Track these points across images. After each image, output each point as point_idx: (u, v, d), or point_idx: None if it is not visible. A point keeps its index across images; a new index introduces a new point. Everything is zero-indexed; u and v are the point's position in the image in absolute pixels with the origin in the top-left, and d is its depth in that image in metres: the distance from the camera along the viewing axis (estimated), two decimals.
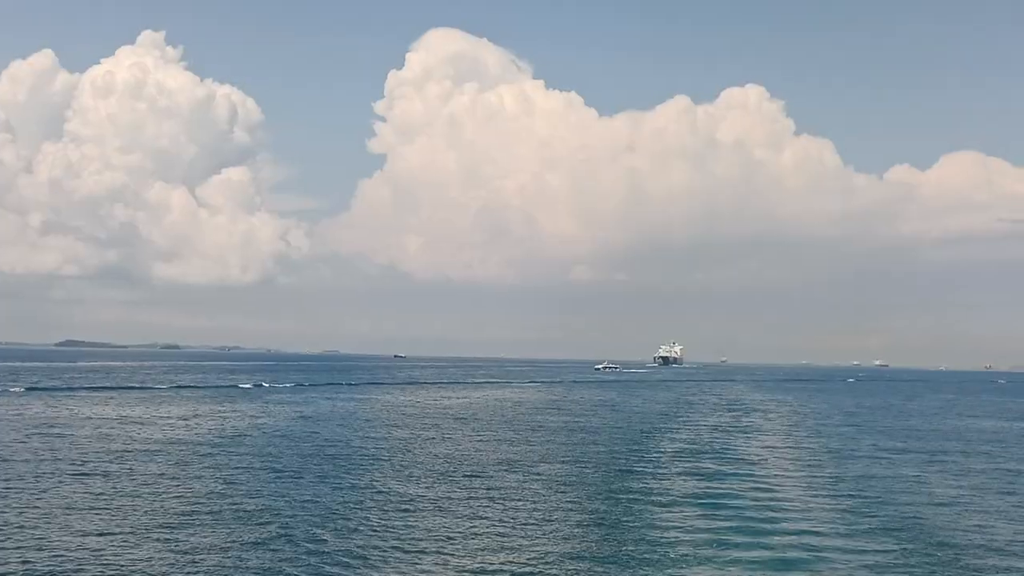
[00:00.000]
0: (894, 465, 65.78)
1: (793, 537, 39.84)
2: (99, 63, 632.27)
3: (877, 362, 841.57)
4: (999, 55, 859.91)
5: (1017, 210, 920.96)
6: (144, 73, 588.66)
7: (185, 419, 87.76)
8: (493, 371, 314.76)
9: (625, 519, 42.73)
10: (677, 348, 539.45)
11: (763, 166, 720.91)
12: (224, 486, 48.86)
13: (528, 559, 34.97)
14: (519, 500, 46.96)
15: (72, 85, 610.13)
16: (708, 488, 52.32)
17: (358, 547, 36.16)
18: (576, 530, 40.19)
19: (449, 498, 47.12)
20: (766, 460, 66.63)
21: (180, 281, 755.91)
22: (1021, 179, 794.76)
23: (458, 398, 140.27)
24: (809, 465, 64.35)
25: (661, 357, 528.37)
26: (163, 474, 52.50)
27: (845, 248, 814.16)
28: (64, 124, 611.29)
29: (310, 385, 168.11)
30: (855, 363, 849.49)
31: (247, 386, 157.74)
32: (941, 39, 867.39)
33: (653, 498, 48.40)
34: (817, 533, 40.78)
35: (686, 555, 36.25)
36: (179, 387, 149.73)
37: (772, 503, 47.93)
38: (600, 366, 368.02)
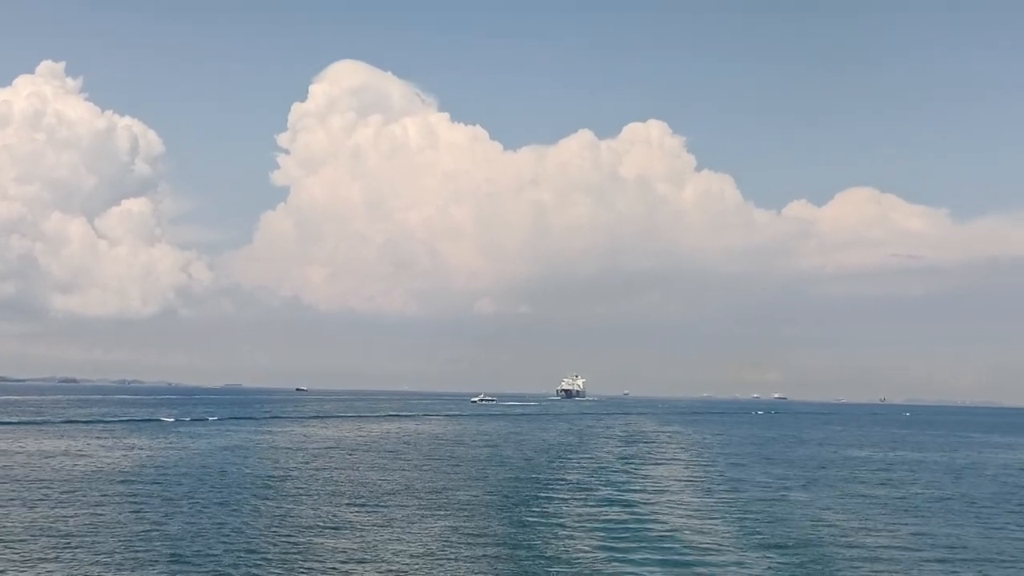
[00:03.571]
0: (784, 490, 68.67)
1: (686, 556, 42.06)
2: None
3: (776, 395, 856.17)
4: (893, 93, 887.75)
5: (910, 245, 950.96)
6: (43, 103, 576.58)
7: (108, 451, 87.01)
8: (395, 404, 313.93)
9: (522, 545, 44.24)
10: (580, 381, 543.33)
11: (665, 201, 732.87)
12: (140, 517, 49.21)
13: None
14: (416, 528, 48.20)
15: None
16: (605, 513, 54.26)
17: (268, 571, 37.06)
18: (468, 551, 41.64)
19: (352, 524, 48.16)
20: (664, 488, 68.82)
21: (79, 313, 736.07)
22: (914, 215, 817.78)
23: (361, 431, 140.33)
24: (704, 491, 66.76)
25: (564, 390, 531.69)
26: (79, 509, 52.63)
27: (745, 282, 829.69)
28: None
29: (231, 418, 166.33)
30: (755, 396, 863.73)
31: (168, 420, 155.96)
32: (836, 78, 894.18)
33: (552, 523, 50.08)
34: (708, 551, 43.05)
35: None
36: (94, 421, 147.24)
37: (669, 527, 50.07)
38: (476, 398, 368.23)
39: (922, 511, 59.57)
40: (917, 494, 69.28)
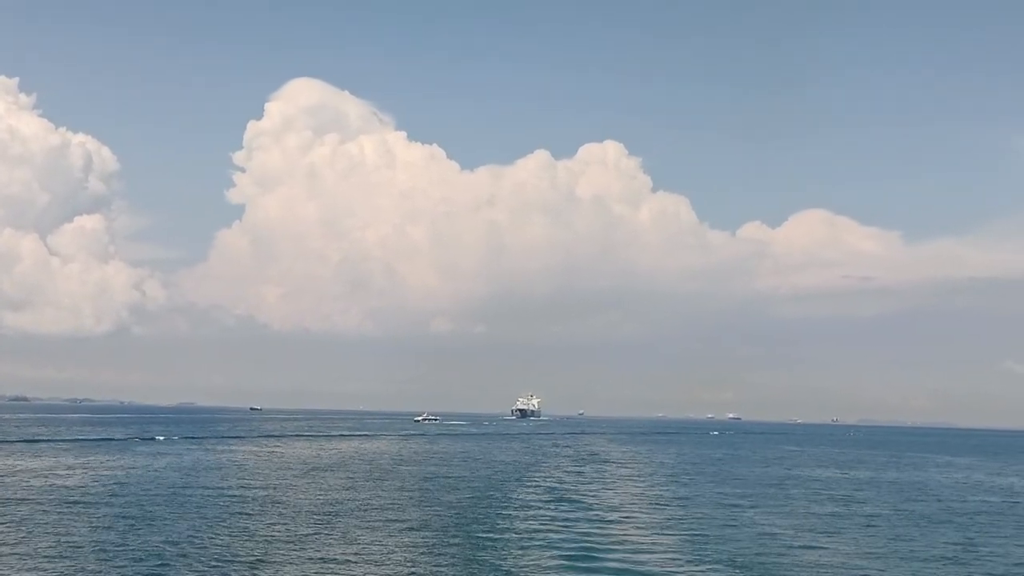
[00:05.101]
0: (733, 508, 70.44)
1: (636, 571, 43.66)
2: None
3: (731, 415, 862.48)
4: (846, 115, 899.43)
5: (863, 267, 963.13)
6: None
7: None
8: (351, 423, 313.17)
9: (474, 561, 45.44)
10: (535, 401, 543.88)
11: (622, 221, 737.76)
12: (96, 539, 49.89)
13: None
14: (369, 546, 49.29)
15: None
16: (556, 531, 55.60)
17: None
18: (421, 567, 42.78)
19: (309, 541, 49.07)
20: (615, 506, 70.32)
21: (30, 331, 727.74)
22: (867, 237, 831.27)
23: (315, 451, 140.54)
24: (655, 509, 68.35)
25: (519, 410, 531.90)
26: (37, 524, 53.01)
27: (701, 303, 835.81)
28: None
29: (186, 438, 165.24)
30: (710, 416, 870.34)
31: (122, 439, 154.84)
32: (790, 101, 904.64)
33: (502, 540, 51.34)
34: (656, 567, 44.71)
35: None
36: (43, 440, 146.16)
37: (619, 543, 51.57)
38: (419, 418, 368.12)
39: (864, 527, 61.44)
40: (860, 511, 71.16)
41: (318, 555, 45.06)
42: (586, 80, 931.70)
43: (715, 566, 45.13)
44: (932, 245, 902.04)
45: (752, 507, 71.86)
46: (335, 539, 49.92)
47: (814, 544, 53.23)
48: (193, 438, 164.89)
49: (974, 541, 56.73)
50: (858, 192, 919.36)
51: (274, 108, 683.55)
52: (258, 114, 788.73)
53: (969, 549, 53.51)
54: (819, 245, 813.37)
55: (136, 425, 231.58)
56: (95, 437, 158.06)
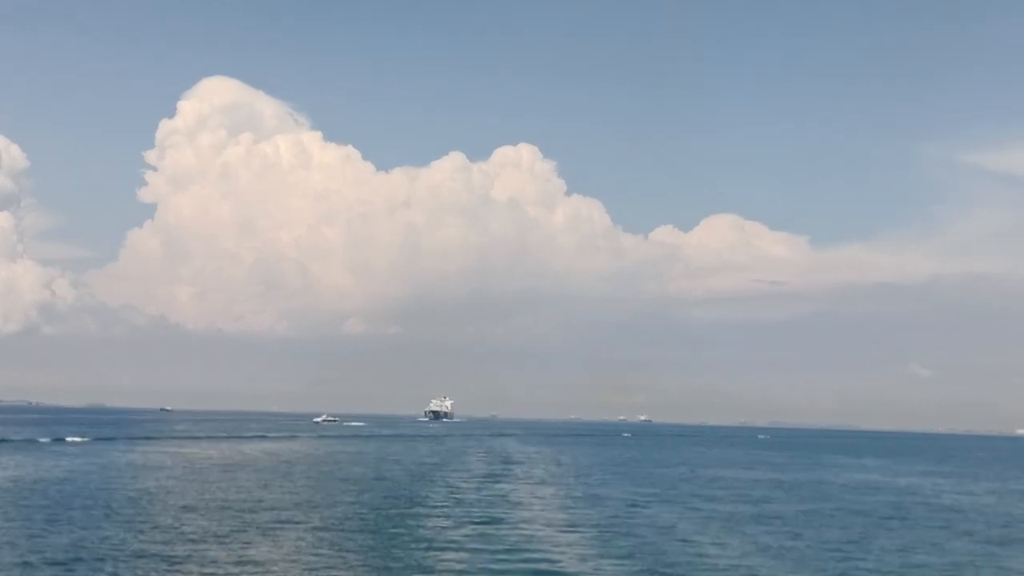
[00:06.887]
0: (640, 506, 73.00)
1: (542, 565, 45.73)
2: None
3: (642, 417, 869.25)
4: (756, 120, 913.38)
5: (772, 271, 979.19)
6: None
7: None
8: (264, 425, 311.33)
9: (388, 557, 47.20)
10: (448, 402, 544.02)
11: (536, 224, 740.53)
12: (9, 542, 50.38)
13: None
14: (282, 543, 50.64)
15: None
16: (464, 529, 57.40)
17: None
18: (331, 562, 44.33)
19: (226, 539, 50.30)
20: (524, 505, 72.39)
21: None
22: (776, 242, 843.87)
23: (228, 452, 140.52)
24: (563, 508, 70.60)
25: (432, 411, 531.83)
26: None
27: (614, 306, 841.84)
28: None
29: (99, 439, 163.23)
30: (621, 418, 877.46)
31: (45, 440, 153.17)
32: (701, 104, 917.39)
33: (410, 539, 53.02)
34: (562, 562, 46.73)
35: None
36: None
37: (527, 540, 53.58)
38: (319, 419, 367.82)
39: (759, 524, 64.21)
40: (757, 510, 74.10)
41: (228, 555, 46.33)
42: (500, 82, 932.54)
43: (618, 561, 47.27)
44: (839, 250, 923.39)
45: (656, 505, 74.52)
46: (253, 537, 51.04)
47: (711, 540, 55.75)
48: (105, 439, 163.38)
49: (864, 538, 59.82)
50: (768, 197, 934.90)
51: (187, 106, 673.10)
52: (170, 112, 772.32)
53: (858, 544, 56.50)
54: (730, 249, 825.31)
55: (46, 426, 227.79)
56: (3, 438, 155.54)
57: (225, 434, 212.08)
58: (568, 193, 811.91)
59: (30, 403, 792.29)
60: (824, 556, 51.55)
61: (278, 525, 55.82)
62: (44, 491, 70.80)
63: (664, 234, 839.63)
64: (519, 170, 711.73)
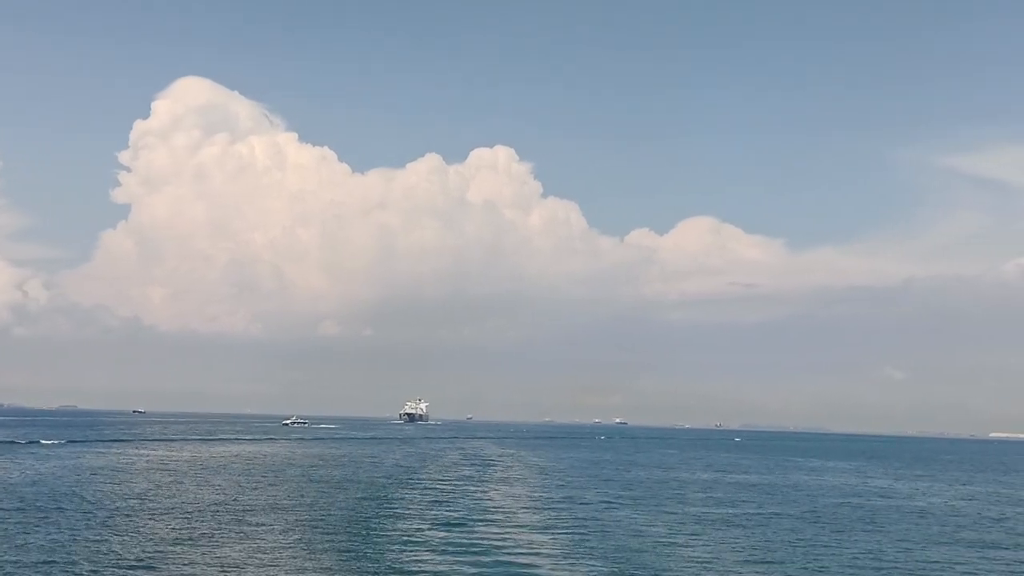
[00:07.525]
0: (613, 508, 73.66)
1: (516, 565, 46.23)
2: None
3: (617, 420, 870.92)
4: (733, 124, 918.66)
5: (748, 274, 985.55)
6: None
7: None
8: (238, 427, 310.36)
9: (363, 557, 47.56)
10: (423, 405, 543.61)
11: (512, 226, 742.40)
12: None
13: None
14: (258, 542, 50.91)
15: None
16: (439, 530, 57.87)
17: None
18: (308, 562, 44.66)
19: (203, 539, 50.48)
20: (499, 506, 72.84)
21: None
22: (752, 245, 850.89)
23: (201, 454, 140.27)
24: (537, 509, 71.07)
25: (407, 414, 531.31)
26: None
27: (590, 308, 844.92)
28: None
29: (71, 441, 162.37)
30: (596, 421, 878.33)
31: (21, 442, 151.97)
32: (677, 108, 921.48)
33: (385, 540, 53.44)
34: (537, 561, 47.23)
35: None
36: None
37: (502, 541, 53.99)
38: (288, 421, 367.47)
39: (730, 526, 64.97)
40: (729, 512, 74.91)
41: (202, 557, 46.58)
42: (476, 84, 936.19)
43: (591, 561, 47.77)
44: (814, 254, 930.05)
45: (629, 506, 75.16)
46: (229, 538, 51.32)
47: (682, 541, 56.36)
48: (78, 441, 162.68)
49: (835, 538, 60.64)
50: (744, 200, 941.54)
51: (161, 107, 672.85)
52: (145, 113, 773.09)
53: (828, 545, 57.27)
54: (705, 252, 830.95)
55: (18, 428, 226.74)
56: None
57: (198, 436, 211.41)
58: (544, 195, 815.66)
59: (1, 405, 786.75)
60: (794, 557, 52.23)
61: (252, 527, 56.13)
62: (21, 494, 70.53)
63: (640, 237, 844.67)
64: (495, 172, 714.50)
